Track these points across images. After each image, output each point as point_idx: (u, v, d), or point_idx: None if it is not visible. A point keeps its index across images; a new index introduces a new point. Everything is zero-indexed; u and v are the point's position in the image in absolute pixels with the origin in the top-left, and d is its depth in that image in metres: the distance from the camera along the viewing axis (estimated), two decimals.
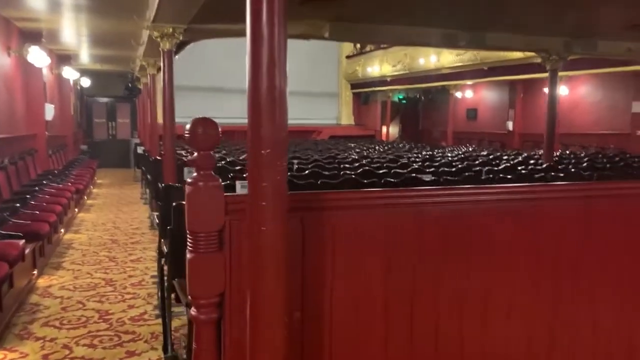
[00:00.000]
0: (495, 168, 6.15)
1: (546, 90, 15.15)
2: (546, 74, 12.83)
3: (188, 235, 2.09)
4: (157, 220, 4.48)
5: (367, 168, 6.26)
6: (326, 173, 5.32)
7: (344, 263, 2.25)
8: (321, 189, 4.51)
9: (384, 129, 21.12)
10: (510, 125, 16.40)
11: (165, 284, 3.36)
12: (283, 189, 1.75)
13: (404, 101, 20.80)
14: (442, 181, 4.69)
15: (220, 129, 2.13)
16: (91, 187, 12.07)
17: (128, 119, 19.15)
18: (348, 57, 22.04)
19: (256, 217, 1.76)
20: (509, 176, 5.30)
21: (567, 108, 14.28)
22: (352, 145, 15.69)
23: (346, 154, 10.56)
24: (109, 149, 18.39)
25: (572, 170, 6.46)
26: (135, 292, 4.90)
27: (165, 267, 3.30)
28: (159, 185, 7.16)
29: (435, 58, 15.02)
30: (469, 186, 2.63)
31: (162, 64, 5.53)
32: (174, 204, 3.22)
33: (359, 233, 2.27)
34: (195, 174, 2.07)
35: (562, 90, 14.28)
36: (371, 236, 2.29)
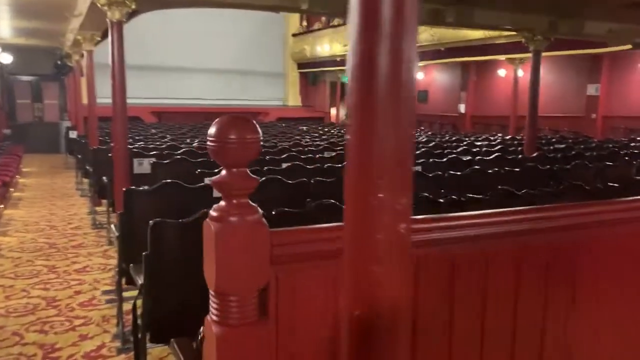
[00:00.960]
0: (486, 158, 5.65)
1: (501, 72, 15.09)
2: (503, 56, 12.70)
3: (212, 298, 1.35)
4: (115, 233, 3.62)
5: None
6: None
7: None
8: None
9: (333, 111, 20.52)
10: (462, 107, 16.21)
11: (141, 333, 2.55)
12: (406, 243, 1.05)
13: None
14: (447, 177, 4.11)
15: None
16: (17, 176, 10.73)
17: (56, 100, 17.48)
18: (294, 35, 21.17)
19: (361, 285, 1.05)
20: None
21: (521, 90, 14.16)
22: (305, 128, 14.98)
23: (309, 140, 9.84)
24: (36, 133, 16.70)
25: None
26: (86, 316, 4.03)
27: (141, 311, 2.50)
28: (104, 180, 6.23)
29: None
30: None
31: (110, 37, 4.60)
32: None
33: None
34: (223, 204, 1.33)
35: (518, 73, 14.15)
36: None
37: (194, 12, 20.32)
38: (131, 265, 3.07)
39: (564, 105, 13.24)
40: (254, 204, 1.35)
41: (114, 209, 6.13)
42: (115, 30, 4.58)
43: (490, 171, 4.31)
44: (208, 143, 1.33)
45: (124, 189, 3.28)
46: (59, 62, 14.60)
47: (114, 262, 5.38)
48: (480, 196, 3.08)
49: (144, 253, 2.42)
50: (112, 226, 3.74)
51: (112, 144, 7.31)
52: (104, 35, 8.71)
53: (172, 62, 19.96)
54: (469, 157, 5.79)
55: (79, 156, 9.60)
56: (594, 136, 11.02)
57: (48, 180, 11.19)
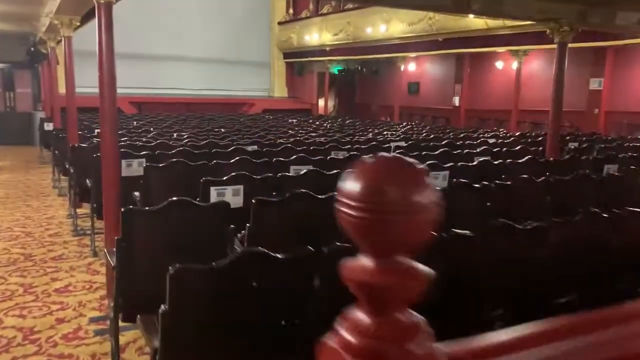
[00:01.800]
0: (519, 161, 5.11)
1: (498, 64, 14.61)
2: (506, 48, 12.20)
3: None
4: (112, 262, 2.94)
5: None
6: None
7: None
8: None
9: (321, 102, 19.88)
10: (456, 100, 15.72)
11: None
12: None
13: (343, 72, 19.59)
14: (495, 188, 3.54)
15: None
16: None
17: (29, 89, 16.49)
18: (280, 23, 20.42)
19: None
20: None
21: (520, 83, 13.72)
22: (295, 121, 14.32)
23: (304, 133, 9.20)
24: (7, 124, 15.70)
25: None
26: (72, 354, 3.38)
27: None
28: (87, 183, 5.54)
29: (384, 27, 13.87)
30: None
31: (98, 21, 3.90)
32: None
33: None
34: (367, 320, 0.73)
35: (515, 66, 13.69)
36: None
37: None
38: (139, 316, 2.43)
39: (565, 100, 12.76)
40: (420, 318, 0.74)
41: (98, 215, 5.46)
42: (104, 13, 3.89)
43: (539, 180, 3.77)
44: (342, 208, 0.72)
45: (122, 210, 2.63)
46: (32, 49, 13.64)
47: (100, 279, 4.72)
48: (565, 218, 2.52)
49: (160, 311, 1.80)
50: (107, 253, 3.08)
51: (98, 141, 6.66)
52: (83, 20, 7.93)
53: (153, 50, 19.05)
54: (490, 159, 5.28)
55: (56, 152, 8.81)
56: (596, 132, 10.60)
57: (22, 177, 10.37)
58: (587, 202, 4.04)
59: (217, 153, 5.77)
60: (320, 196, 3.14)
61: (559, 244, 2.58)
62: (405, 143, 7.64)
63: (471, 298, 2.50)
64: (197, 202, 2.87)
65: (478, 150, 6.17)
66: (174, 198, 2.75)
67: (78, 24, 7.75)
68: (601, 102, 12.03)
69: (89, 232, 6.13)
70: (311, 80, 19.91)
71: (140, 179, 4.79)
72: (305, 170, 4.37)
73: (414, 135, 9.34)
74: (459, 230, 2.29)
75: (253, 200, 2.94)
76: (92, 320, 3.88)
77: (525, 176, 3.80)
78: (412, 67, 17.37)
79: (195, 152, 5.69)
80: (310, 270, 2.02)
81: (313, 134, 10.01)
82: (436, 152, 5.86)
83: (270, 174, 4.09)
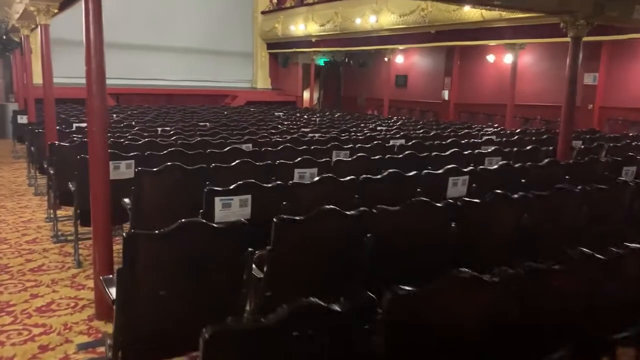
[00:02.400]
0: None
1: (489, 58, 14.34)
2: (499, 42, 11.89)
3: None
4: (111, 295, 2.48)
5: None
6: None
7: None
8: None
9: (306, 95, 19.43)
10: (446, 94, 15.43)
11: None
12: None
13: (329, 64, 19.15)
14: (534, 199, 3.19)
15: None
16: None
17: (0, 79, 15.68)
18: (264, 12, 19.85)
19: None
20: None
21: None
22: (281, 114, 13.87)
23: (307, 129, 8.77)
24: None
25: None
26: None
27: None
28: (70, 186, 5.04)
29: (374, 18, 13.47)
30: None
31: (85, 10, 3.42)
32: None
33: None
34: None
35: (508, 59, 13.44)
36: None
37: None
38: None
39: (559, 95, 12.55)
40: None
41: (83, 222, 4.99)
42: (92, 1, 3.40)
43: (577, 189, 3.44)
44: None
45: (124, 235, 2.20)
46: (4, 37, 12.88)
47: (86, 294, 4.27)
48: None
49: None
50: (102, 282, 2.63)
51: (80, 139, 6.13)
52: (62, 7, 7.36)
53: (132, 38, 18.33)
54: (503, 160, 4.97)
55: (32, 149, 8.23)
56: (594, 129, 10.39)
57: None
58: (629, 214, 3.73)
59: (212, 154, 5.33)
60: (348, 212, 2.74)
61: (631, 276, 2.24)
62: (407, 142, 7.28)
63: (532, 337, 2.15)
64: (212, 224, 2.44)
65: (489, 149, 5.84)
66: (184, 220, 2.32)
67: (56, 10, 7.18)
68: (595, 97, 11.85)
69: (71, 238, 5.65)
70: (296, 72, 19.43)
71: (129, 182, 4.34)
72: (312, 176, 3.98)
73: (411, 132, 8.99)
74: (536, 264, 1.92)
75: (274, 220, 2.54)
76: (81, 347, 3.44)
77: (561, 186, 3.47)
78: (400, 59, 17.02)
79: (189, 152, 5.23)
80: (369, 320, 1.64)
81: (305, 129, 9.60)
82: (447, 153, 5.51)
83: (279, 182, 3.67)
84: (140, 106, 15.12)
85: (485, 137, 8.02)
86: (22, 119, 11.33)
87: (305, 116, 13.55)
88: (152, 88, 18.25)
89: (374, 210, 2.82)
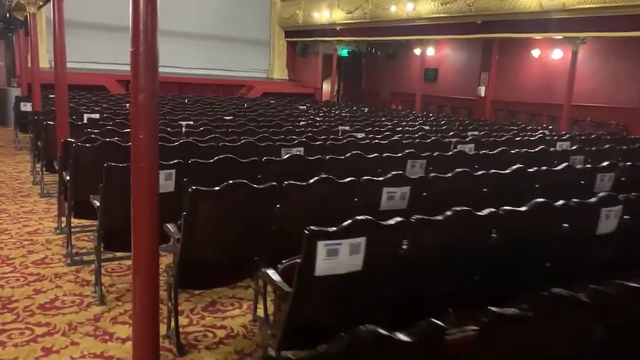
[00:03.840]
0: None
1: (534, 52, 13.25)
2: (560, 34, 10.63)
3: None
4: None
5: None
6: None
7: None
8: None
9: (325, 86, 18.34)
10: (482, 90, 14.33)
11: None
12: None
13: (355, 54, 18.03)
14: None
15: None
16: None
17: (2, 62, 14.54)
18: None
19: None
20: None
21: (559, 74, 12.40)
22: (304, 107, 12.79)
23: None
24: None
25: None
26: None
27: None
28: (94, 201, 3.99)
29: (411, 6, 12.35)
30: None
31: None
32: None
33: None
34: None
35: (556, 54, 12.36)
36: None
37: None
38: None
39: (612, 95, 11.49)
40: None
41: (108, 245, 3.94)
42: None
43: None
44: None
45: None
46: (7, 15, 11.74)
47: (116, 349, 3.23)
48: None
49: None
50: None
51: (105, 141, 5.02)
52: None
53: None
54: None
55: (39, 142, 7.15)
56: None
57: None
58: None
59: (271, 164, 4.27)
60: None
61: None
62: (478, 147, 6.23)
63: None
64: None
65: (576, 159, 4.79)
66: None
67: None
68: None
69: (88, 258, 4.62)
70: (315, 63, 18.32)
71: (168, 199, 3.30)
72: (403, 197, 2.91)
73: (467, 133, 7.93)
74: None
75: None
76: None
77: None
78: (430, 51, 15.88)
79: (242, 160, 4.17)
80: None
81: (344, 127, 8.53)
82: (558, 168, 4.44)
83: (400, 218, 2.61)
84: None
85: (560, 143, 6.96)
86: (26, 107, 10.24)
87: (334, 110, 12.48)
88: (163, 76, 16.92)
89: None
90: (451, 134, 7.55)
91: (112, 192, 3.71)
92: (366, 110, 13.07)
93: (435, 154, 5.02)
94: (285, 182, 3.29)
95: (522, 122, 11.87)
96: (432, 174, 3.82)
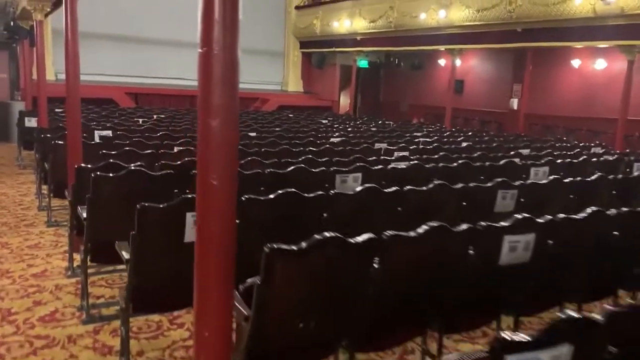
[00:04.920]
0: None
1: (574, 62, 12.41)
2: (612, 42, 9.70)
3: None
4: None
5: None
6: None
7: None
8: None
9: (343, 99, 17.54)
10: (515, 103, 13.48)
11: None
12: None
13: (377, 65, 17.24)
14: None
15: None
16: None
17: (5, 74, 13.77)
18: (298, 7, 17.94)
19: None
20: None
21: (601, 86, 11.56)
22: (327, 122, 11.95)
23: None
24: None
25: None
26: None
27: None
28: (121, 252, 3.13)
29: (444, 13, 11.54)
30: None
31: None
32: None
33: None
34: None
35: (599, 64, 11.52)
36: None
37: None
38: None
39: None
40: None
41: (138, 306, 3.05)
42: None
43: None
44: None
45: None
46: (11, 23, 10.95)
47: None
48: None
49: None
50: None
51: (136, 169, 4.08)
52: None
53: (150, 33, 16.46)
54: None
55: (46, 164, 6.29)
56: None
57: None
58: None
59: (338, 199, 3.40)
60: None
61: None
62: (547, 170, 5.37)
63: None
64: None
65: None
66: None
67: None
68: None
69: (110, 314, 3.75)
70: (332, 74, 17.52)
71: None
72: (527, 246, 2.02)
73: (519, 151, 7.08)
74: None
75: None
76: None
77: None
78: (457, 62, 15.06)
79: (307, 196, 3.29)
80: None
81: (383, 145, 7.66)
82: None
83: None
84: (165, 108, 13.24)
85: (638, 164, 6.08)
86: (31, 122, 9.44)
87: (359, 125, 11.63)
88: (174, 88, 16.35)
89: None
90: (511, 153, 6.68)
91: (146, 240, 2.85)
92: (392, 124, 12.23)
93: (529, 182, 4.14)
94: (387, 233, 2.41)
95: (561, 137, 11.02)
96: (560, 215, 2.92)
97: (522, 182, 4.11)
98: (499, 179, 4.01)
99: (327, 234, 2.24)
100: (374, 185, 3.46)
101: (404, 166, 5.64)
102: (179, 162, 4.63)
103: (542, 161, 5.51)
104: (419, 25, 12.40)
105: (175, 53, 16.95)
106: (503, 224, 2.76)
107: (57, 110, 10.67)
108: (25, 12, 9.52)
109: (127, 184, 3.66)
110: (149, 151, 5.64)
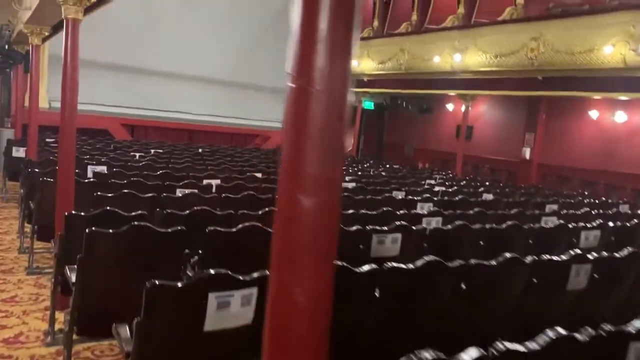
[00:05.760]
0: None
1: (592, 114, 12.01)
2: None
3: None
4: None
5: None
6: None
7: None
8: None
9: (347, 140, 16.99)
10: (527, 152, 13.00)
11: None
12: None
13: (384, 108, 16.83)
14: None
15: None
16: None
17: None
18: None
19: None
20: None
21: (621, 139, 11.13)
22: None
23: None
24: None
25: None
26: None
27: None
28: (123, 331, 2.42)
29: (459, 57, 11.14)
30: None
31: None
32: None
33: None
34: None
35: (619, 117, 11.12)
36: None
37: (187, 7, 16.50)
38: None
39: None
40: None
41: None
42: None
43: None
44: None
45: None
46: (6, 47, 10.36)
47: None
48: None
49: None
50: None
51: (139, 225, 3.30)
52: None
53: (150, 64, 15.99)
54: None
55: (31, 203, 5.57)
56: None
57: None
58: None
59: (391, 276, 2.73)
60: None
61: None
62: (599, 234, 4.75)
63: None
64: None
65: None
66: None
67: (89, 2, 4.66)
68: None
69: None
70: None
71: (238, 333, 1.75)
72: None
73: (563, 207, 6.48)
74: None
75: None
76: None
77: None
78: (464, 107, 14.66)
79: (357, 271, 2.62)
80: None
81: (401, 194, 7.03)
82: None
83: None
84: (163, 143, 12.60)
85: None
86: (19, 152, 8.76)
87: (368, 169, 11.05)
88: (172, 122, 15.78)
89: None
90: (549, 211, 6.08)
91: (155, 328, 2.15)
92: (402, 168, 11.67)
93: (604, 254, 3.51)
94: (499, 348, 1.74)
95: (582, 190, 10.52)
96: None
97: (596, 254, 3.48)
98: (573, 252, 3.37)
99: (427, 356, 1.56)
100: (436, 258, 2.79)
101: (437, 224, 5.01)
102: (187, 212, 3.95)
103: (593, 224, 4.89)
104: (431, 68, 12.00)
105: (176, 86, 16.46)
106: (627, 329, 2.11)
107: (48, 140, 10.01)
108: (21, 36, 8.96)
109: (128, 242, 2.97)
110: (149, 194, 4.96)
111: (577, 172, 11.84)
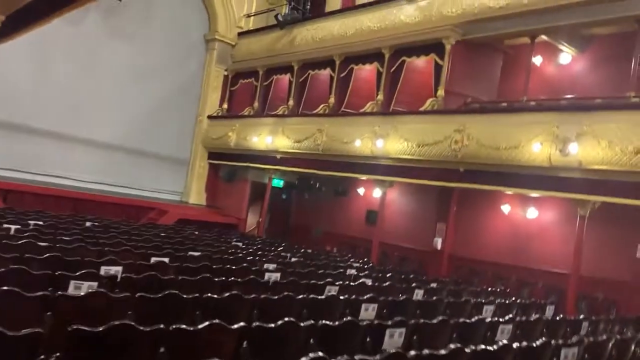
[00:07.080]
0: None
1: (504, 208, 12.16)
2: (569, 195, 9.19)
3: None
4: None
5: None
6: None
7: None
8: None
9: (250, 218, 16.08)
10: (438, 243, 12.85)
11: None
12: None
13: (289, 187, 16.16)
14: None
15: None
16: None
17: None
18: (212, 117, 16.80)
19: None
20: None
21: (533, 235, 11.30)
22: (242, 245, 10.36)
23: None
24: None
25: None
26: None
27: None
28: None
29: (381, 143, 10.92)
30: None
31: None
32: None
33: None
34: None
35: (531, 213, 11.34)
36: None
37: (84, 67, 15.11)
38: None
39: (601, 267, 10.25)
40: None
41: None
42: None
43: None
44: None
45: None
46: None
47: None
48: None
49: None
50: None
51: None
52: None
53: (36, 121, 14.28)
54: None
55: None
56: None
57: None
58: None
59: None
60: None
61: None
62: (576, 352, 4.24)
63: None
64: None
65: None
66: None
67: None
68: None
69: None
70: (242, 190, 16.13)
71: None
72: None
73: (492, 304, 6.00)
74: None
75: None
76: None
77: None
78: (376, 192, 14.42)
79: None
80: None
81: (334, 289, 6.21)
82: None
83: None
84: (42, 212, 10.82)
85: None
86: None
87: (279, 251, 10.15)
88: (54, 188, 13.93)
89: None
90: (514, 318, 5.54)
91: None
92: (317, 253, 10.90)
93: None
94: None
95: (486, 283, 10.40)
96: None
97: None
98: None
99: None
100: None
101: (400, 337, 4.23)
102: (101, 329, 2.80)
103: (572, 342, 4.36)
104: (351, 151, 11.67)
105: (64, 148, 14.72)
106: None
107: None
108: None
109: None
110: (38, 293, 3.69)
111: (489, 266, 11.78)
